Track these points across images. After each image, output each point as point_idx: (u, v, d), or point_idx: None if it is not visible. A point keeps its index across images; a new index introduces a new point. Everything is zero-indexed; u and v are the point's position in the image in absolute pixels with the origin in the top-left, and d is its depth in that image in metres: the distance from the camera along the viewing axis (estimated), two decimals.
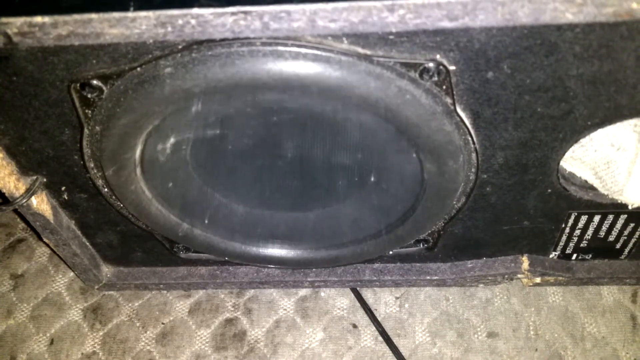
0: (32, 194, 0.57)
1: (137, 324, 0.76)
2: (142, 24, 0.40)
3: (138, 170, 0.55)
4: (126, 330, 0.76)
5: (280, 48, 0.42)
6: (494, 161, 0.53)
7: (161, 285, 0.76)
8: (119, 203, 0.59)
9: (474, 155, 0.51)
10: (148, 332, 0.75)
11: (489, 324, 0.73)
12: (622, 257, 0.69)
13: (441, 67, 0.44)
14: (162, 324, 0.76)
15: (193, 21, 0.40)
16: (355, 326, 0.74)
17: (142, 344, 0.74)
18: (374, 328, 0.73)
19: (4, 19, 0.40)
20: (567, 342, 0.70)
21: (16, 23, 0.40)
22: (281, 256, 0.67)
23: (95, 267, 0.72)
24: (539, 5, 0.38)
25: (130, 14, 0.39)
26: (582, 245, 0.67)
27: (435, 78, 0.45)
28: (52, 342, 0.75)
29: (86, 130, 0.50)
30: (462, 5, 0.38)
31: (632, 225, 0.63)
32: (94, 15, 0.39)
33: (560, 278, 0.70)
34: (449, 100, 0.46)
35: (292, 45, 0.42)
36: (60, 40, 0.41)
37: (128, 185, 0.56)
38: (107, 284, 0.75)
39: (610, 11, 0.38)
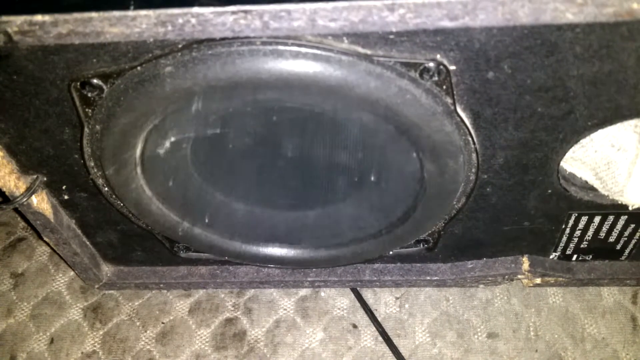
0: (33, 193, 0.57)
1: (137, 323, 0.76)
2: (142, 23, 0.40)
3: (138, 169, 0.55)
4: (126, 329, 0.76)
5: (281, 47, 0.42)
6: (494, 161, 0.53)
7: (161, 285, 0.76)
8: (119, 202, 0.59)
9: (474, 155, 0.51)
10: (148, 332, 0.75)
11: (489, 324, 0.73)
12: (623, 258, 0.69)
13: (441, 66, 0.44)
14: (162, 323, 0.76)
15: (193, 20, 0.40)
16: (355, 326, 0.74)
17: (142, 343, 0.74)
18: (374, 328, 0.73)
19: (4, 18, 0.40)
20: (567, 343, 0.70)
21: (16, 22, 0.40)
22: (281, 255, 0.67)
23: (95, 266, 0.72)
24: (539, 5, 0.38)
25: (130, 13, 0.39)
26: (582, 246, 0.67)
27: (436, 78, 0.44)
28: (52, 341, 0.75)
29: (86, 129, 0.51)
30: (462, 5, 0.38)
31: (632, 226, 0.63)
32: (94, 14, 0.40)
33: (561, 279, 0.70)
34: (449, 100, 0.46)
35: (293, 44, 0.42)
36: (61, 39, 0.41)
37: (128, 184, 0.56)
38: (107, 283, 0.75)
39: (611, 11, 0.38)
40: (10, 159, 0.55)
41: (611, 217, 0.62)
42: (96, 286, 0.76)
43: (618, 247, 0.67)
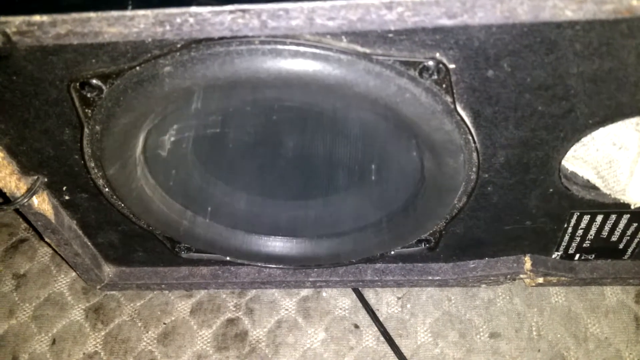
0: (33, 194, 0.57)
1: (139, 324, 0.76)
2: (140, 23, 0.40)
3: (139, 169, 0.55)
4: (128, 330, 0.76)
5: (279, 46, 0.42)
6: (495, 160, 0.53)
7: (163, 285, 0.76)
8: (120, 202, 0.59)
9: (474, 154, 0.51)
10: (150, 332, 0.75)
11: (491, 324, 0.72)
12: (625, 257, 0.68)
13: (441, 65, 0.44)
14: (164, 324, 0.76)
15: (191, 20, 0.40)
16: (357, 326, 0.74)
17: (144, 344, 0.74)
18: (376, 328, 0.73)
19: (3, 18, 0.40)
20: (570, 342, 0.70)
21: (15, 22, 0.40)
22: (282, 253, 0.67)
23: (97, 267, 0.72)
24: (538, 3, 0.38)
25: (128, 13, 0.39)
26: (584, 245, 0.66)
27: (435, 76, 0.44)
28: (54, 342, 0.75)
29: (86, 130, 0.51)
30: (460, 3, 0.38)
31: (635, 225, 0.63)
32: (92, 14, 0.40)
33: (563, 278, 0.70)
34: (448, 98, 0.46)
35: (291, 43, 0.42)
36: (59, 39, 0.41)
37: (129, 184, 0.56)
38: (109, 283, 0.75)
39: (610, 8, 0.38)
40: (10, 159, 0.55)
41: (613, 216, 0.61)
42: (98, 287, 0.76)
43: (621, 246, 0.66)
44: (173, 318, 0.76)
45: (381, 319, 0.74)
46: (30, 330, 0.76)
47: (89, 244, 0.70)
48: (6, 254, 0.84)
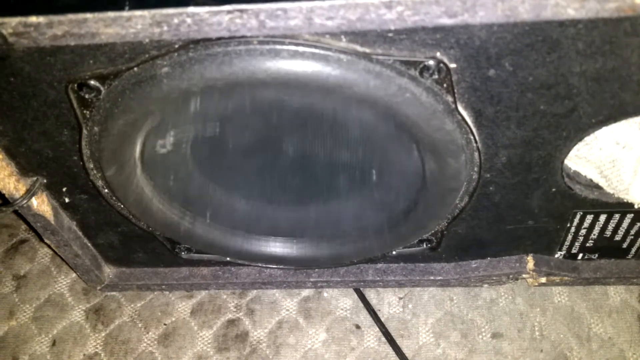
0: (32, 195, 0.57)
1: (139, 325, 0.76)
2: (137, 23, 0.40)
3: (138, 170, 0.55)
4: (128, 331, 0.75)
5: (278, 46, 0.42)
6: (497, 160, 0.52)
7: (163, 286, 0.76)
8: (119, 204, 0.59)
9: (476, 154, 0.51)
10: (150, 333, 0.75)
11: (493, 324, 0.72)
12: (629, 256, 0.68)
13: (441, 64, 0.43)
14: (164, 324, 0.76)
15: (189, 20, 0.39)
16: (358, 327, 0.73)
17: (144, 344, 0.74)
18: (377, 329, 0.73)
19: None
20: (573, 342, 0.70)
21: (11, 23, 0.40)
22: (283, 254, 0.67)
23: (97, 268, 0.72)
24: (540, 1, 0.37)
25: (125, 13, 0.39)
26: (588, 244, 0.66)
27: (436, 76, 0.44)
28: (54, 343, 0.75)
29: (85, 131, 0.50)
30: (461, 2, 0.38)
31: (638, 224, 0.62)
32: (88, 15, 0.39)
33: (566, 278, 0.70)
34: (449, 98, 0.46)
35: (290, 43, 0.42)
36: (56, 40, 0.41)
37: (128, 185, 0.56)
38: (109, 284, 0.75)
39: (613, 6, 0.37)
40: (9, 161, 0.55)
41: (617, 216, 0.61)
42: (98, 288, 0.76)
43: (624, 245, 0.66)
44: (173, 319, 0.76)
45: (383, 320, 0.73)
46: (31, 332, 0.76)
47: (89, 245, 0.69)
48: (6, 255, 0.84)
